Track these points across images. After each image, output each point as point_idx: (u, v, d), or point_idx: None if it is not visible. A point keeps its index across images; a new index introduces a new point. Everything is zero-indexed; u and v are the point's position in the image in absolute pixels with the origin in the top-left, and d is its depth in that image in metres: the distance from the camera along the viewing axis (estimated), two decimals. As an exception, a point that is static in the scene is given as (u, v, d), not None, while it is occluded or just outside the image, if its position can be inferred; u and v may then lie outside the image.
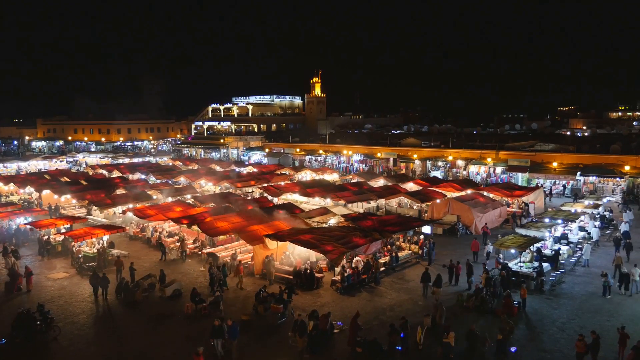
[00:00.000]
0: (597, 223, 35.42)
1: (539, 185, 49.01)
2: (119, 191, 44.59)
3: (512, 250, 26.43)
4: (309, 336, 18.49)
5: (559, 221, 32.51)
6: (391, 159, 68.45)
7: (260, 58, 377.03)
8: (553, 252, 27.57)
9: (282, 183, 49.45)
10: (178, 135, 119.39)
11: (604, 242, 32.75)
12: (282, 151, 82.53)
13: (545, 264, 26.17)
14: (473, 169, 59.22)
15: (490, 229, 35.92)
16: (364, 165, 70.04)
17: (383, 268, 27.34)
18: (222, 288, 24.43)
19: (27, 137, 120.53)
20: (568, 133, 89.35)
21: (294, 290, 23.36)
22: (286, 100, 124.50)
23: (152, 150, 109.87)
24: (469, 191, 42.82)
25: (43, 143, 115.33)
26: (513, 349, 18.49)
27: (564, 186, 50.84)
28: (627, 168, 48.53)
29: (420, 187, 44.58)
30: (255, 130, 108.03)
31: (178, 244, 31.50)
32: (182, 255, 30.68)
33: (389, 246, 29.76)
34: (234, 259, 27.68)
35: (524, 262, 26.38)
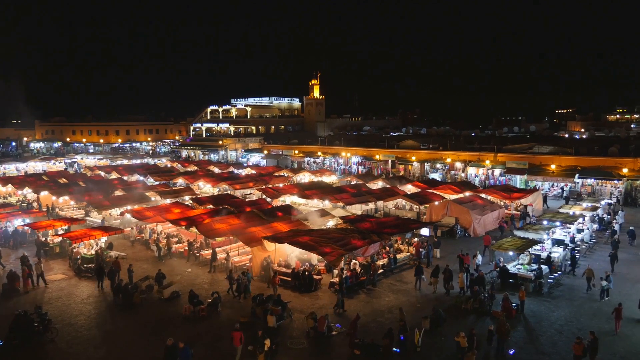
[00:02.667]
0: (596, 226, 35.56)
1: (537, 187, 49.21)
2: (117, 193, 44.53)
3: (510, 253, 26.45)
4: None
5: (557, 223, 32.55)
6: (390, 161, 68.44)
7: (259, 60, 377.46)
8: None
9: (281, 185, 49.43)
10: (176, 137, 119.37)
11: (602, 245, 32.78)
12: (280, 153, 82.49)
13: (543, 267, 26.20)
14: (471, 171, 59.25)
15: (488, 232, 36.03)
16: (363, 167, 70.04)
17: (381, 270, 27.35)
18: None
19: (25, 139, 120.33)
20: (566, 135, 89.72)
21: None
22: (285, 102, 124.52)
23: (151, 151, 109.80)
24: (467, 193, 42.85)
25: (41, 144, 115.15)
26: (511, 351, 18.51)
27: (562, 188, 50.90)
28: (625, 170, 48.60)
29: (419, 189, 44.62)
30: (254, 132, 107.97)
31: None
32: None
33: (387, 248, 29.78)
34: (227, 260, 27.74)
35: (522, 264, 26.41)
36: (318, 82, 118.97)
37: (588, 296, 24.06)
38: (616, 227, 34.67)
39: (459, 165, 61.01)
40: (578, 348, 17.16)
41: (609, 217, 38.66)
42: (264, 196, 44.70)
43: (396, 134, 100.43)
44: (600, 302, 23.24)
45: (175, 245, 32.44)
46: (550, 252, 27.92)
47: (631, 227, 33.94)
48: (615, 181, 48.29)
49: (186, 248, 31.49)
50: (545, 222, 32.91)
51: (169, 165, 72.58)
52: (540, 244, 28.58)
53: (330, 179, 55.97)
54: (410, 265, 29.10)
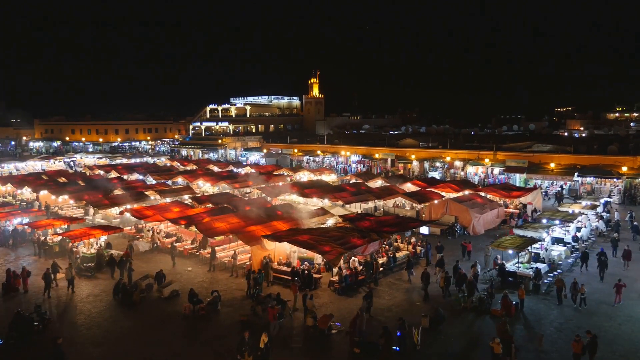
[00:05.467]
0: (595, 224, 35.59)
1: (537, 186, 49.25)
2: (117, 192, 44.52)
3: (510, 251, 26.46)
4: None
5: (557, 222, 32.55)
6: (389, 159, 68.47)
7: (258, 59, 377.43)
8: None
9: (280, 184, 49.44)
10: (176, 136, 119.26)
11: (601, 243, 32.77)
12: (280, 152, 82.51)
13: (542, 265, 26.25)
14: (471, 169, 59.29)
15: (487, 230, 36.13)
16: (362, 166, 70.06)
17: (381, 269, 27.37)
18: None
19: (24, 138, 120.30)
20: (565, 134, 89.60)
21: None
22: (284, 101, 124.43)
23: (150, 150, 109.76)
24: (466, 192, 42.89)
25: (40, 143, 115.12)
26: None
27: (562, 187, 50.96)
28: (624, 169, 48.65)
29: (418, 188, 44.63)
30: (253, 130, 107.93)
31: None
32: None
33: (386, 247, 29.79)
34: (234, 259, 27.76)
35: (521, 262, 26.43)
36: (317, 81, 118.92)
37: (587, 295, 23.99)
38: (600, 224, 35.20)
39: (458, 163, 61.03)
40: (577, 346, 17.16)
41: (608, 215, 38.68)
42: (264, 195, 44.69)
43: (395, 132, 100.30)
44: (599, 302, 23.20)
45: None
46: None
47: (636, 223, 34.27)
48: (615, 179, 48.32)
49: (186, 247, 31.58)
50: (544, 221, 32.92)
51: (168, 164, 72.53)
52: (540, 242, 28.61)
53: (329, 177, 55.98)
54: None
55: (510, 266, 26.05)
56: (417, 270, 26.61)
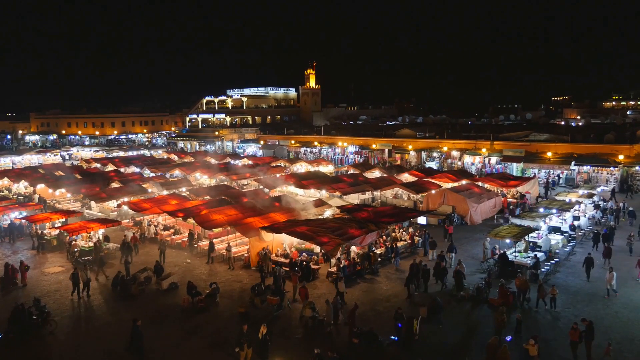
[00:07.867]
0: (592, 213, 35.70)
1: (535, 175, 49.33)
2: (114, 185, 44.45)
3: (507, 241, 26.53)
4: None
5: (554, 211, 32.61)
6: (386, 150, 68.43)
7: (254, 50, 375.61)
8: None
9: (278, 175, 49.40)
10: (172, 128, 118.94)
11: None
12: (277, 143, 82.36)
13: (540, 254, 26.34)
14: (468, 159, 59.32)
15: (484, 220, 36.21)
16: (359, 156, 70.02)
17: (379, 259, 27.43)
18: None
19: (20, 131, 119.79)
20: (562, 123, 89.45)
21: None
22: (280, 92, 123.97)
23: (147, 143, 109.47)
24: (464, 182, 42.94)
25: (37, 137, 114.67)
26: (508, 338, 18.58)
27: (559, 176, 51.05)
28: (620, 157, 48.73)
29: (416, 178, 44.67)
30: (250, 122, 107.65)
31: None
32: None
33: (384, 237, 29.83)
34: (228, 251, 27.80)
35: (519, 252, 26.52)
36: (314, 72, 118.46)
37: (584, 283, 24.18)
38: (597, 214, 35.47)
39: (455, 153, 61.04)
40: (574, 334, 17.27)
41: (604, 203, 38.75)
42: (261, 186, 44.70)
43: (392, 123, 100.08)
44: (596, 289, 23.32)
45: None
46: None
47: (631, 208, 34.79)
48: (612, 168, 48.41)
49: (183, 239, 31.57)
50: (541, 210, 32.98)
51: (165, 157, 72.38)
52: (537, 231, 28.71)
53: (327, 168, 55.96)
54: (409, 253, 29.25)
55: (507, 255, 26.10)
56: (409, 260, 26.50)
